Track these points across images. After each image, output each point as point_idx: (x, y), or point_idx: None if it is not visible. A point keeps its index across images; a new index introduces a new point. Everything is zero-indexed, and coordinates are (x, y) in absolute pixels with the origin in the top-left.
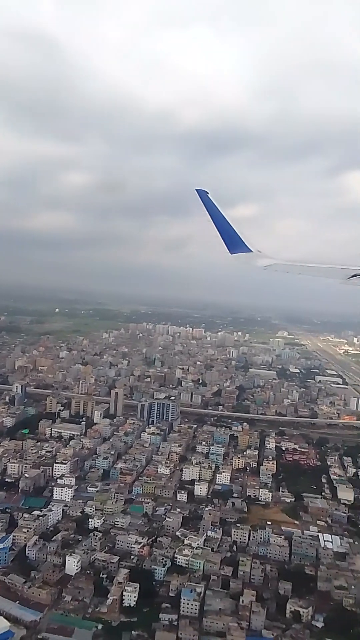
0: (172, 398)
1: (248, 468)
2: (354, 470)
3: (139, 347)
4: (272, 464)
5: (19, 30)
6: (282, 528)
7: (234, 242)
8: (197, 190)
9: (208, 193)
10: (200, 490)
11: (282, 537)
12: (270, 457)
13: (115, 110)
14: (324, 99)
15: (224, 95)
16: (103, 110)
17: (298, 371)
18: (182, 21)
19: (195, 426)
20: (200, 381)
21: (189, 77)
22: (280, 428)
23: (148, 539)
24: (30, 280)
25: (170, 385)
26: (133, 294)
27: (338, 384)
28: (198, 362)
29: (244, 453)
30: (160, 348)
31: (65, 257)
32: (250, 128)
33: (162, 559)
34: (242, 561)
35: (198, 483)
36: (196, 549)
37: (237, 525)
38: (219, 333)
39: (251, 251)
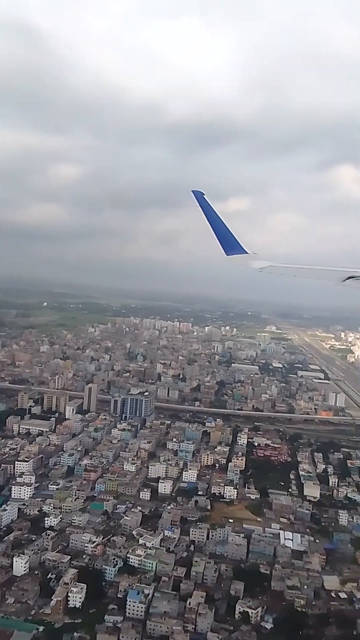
0: (147, 393)
1: (217, 465)
2: (324, 466)
3: (124, 341)
4: (242, 460)
5: (2, 20)
6: (244, 526)
7: (229, 243)
8: (193, 191)
9: (204, 194)
10: (165, 487)
11: (241, 535)
12: (241, 453)
13: (103, 102)
14: (314, 92)
15: (214, 88)
16: (90, 102)
17: (281, 366)
18: (171, 12)
19: (168, 422)
20: (181, 376)
21: (178, 69)
22: (256, 423)
23: (103, 538)
24: (21, 273)
25: (150, 380)
26: (125, 288)
27: (320, 379)
28: (180, 357)
29: (215, 449)
30: (145, 342)
31: (57, 250)
32: (240, 121)
33: (114, 559)
34: (196, 561)
35: (162, 481)
36: (150, 548)
37: (197, 524)
38: (207, 327)
39: (247, 253)
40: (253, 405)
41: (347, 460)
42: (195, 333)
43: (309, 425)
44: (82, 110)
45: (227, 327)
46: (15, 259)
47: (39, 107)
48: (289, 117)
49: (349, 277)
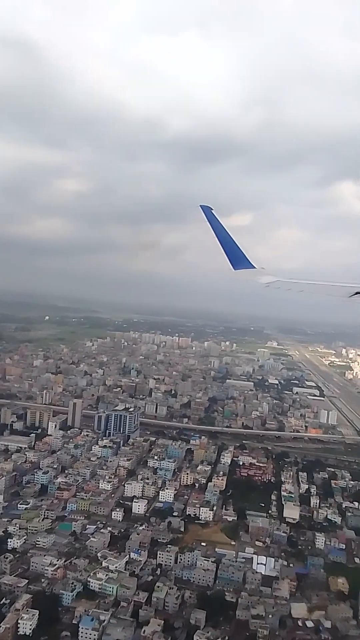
0: (132, 409)
1: (197, 484)
2: (307, 486)
3: (120, 356)
4: (222, 480)
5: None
6: (216, 549)
7: (237, 258)
8: (201, 206)
9: (212, 209)
10: (139, 507)
11: (211, 559)
12: (222, 472)
13: (102, 117)
14: (313, 107)
15: (213, 103)
16: (89, 117)
17: (277, 382)
18: (171, 28)
19: (152, 439)
20: (173, 392)
21: (177, 85)
22: (244, 441)
23: (65, 561)
24: (26, 287)
25: (140, 396)
26: (129, 302)
27: (315, 395)
28: (175, 373)
29: (196, 468)
30: (141, 357)
31: (62, 264)
32: (239, 136)
33: (73, 583)
34: (159, 587)
35: (137, 500)
36: (113, 572)
37: (167, 546)
38: (206, 343)
39: (254, 267)
40: (242, 423)
41: (332, 481)
42: (193, 348)
43: (297, 443)
44: (81, 124)
45: (227, 343)
46: (20, 273)
47: (38, 121)
48: (288, 132)
49: (357, 293)
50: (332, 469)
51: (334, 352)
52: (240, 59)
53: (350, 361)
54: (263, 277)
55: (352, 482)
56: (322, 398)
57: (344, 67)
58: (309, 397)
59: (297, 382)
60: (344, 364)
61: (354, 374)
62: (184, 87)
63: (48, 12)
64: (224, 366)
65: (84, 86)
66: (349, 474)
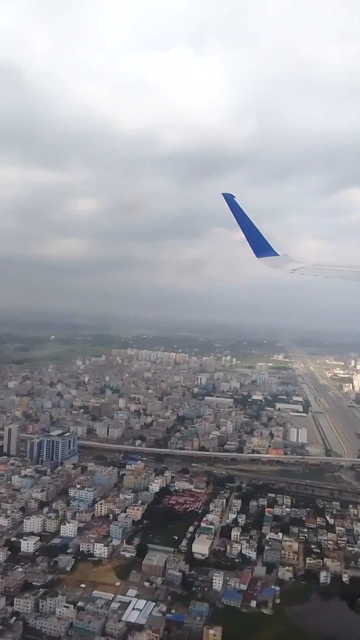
0: (66, 434)
1: (111, 515)
2: (234, 515)
3: (108, 374)
4: (138, 510)
5: None
6: (94, 592)
7: (260, 245)
8: (223, 194)
9: (234, 197)
10: (27, 545)
11: (73, 606)
12: (143, 501)
13: (95, 136)
14: (310, 115)
15: (208, 116)
16: (83, 136)
17: (261, 398)
18: (162, 44)
19: (84, 465)
20: (141, 411)
21: (170, 99)
22: (193, 464)
23: None
24: (46, 307)
25: (101, 417)
26: (146, 318)
27: (297, 411)
28: (150, 391)
29: (118, 497)
30: (127, 375)
31: (81, 283)
32: (237, 148)
33: None
34: None
35: (26, 538)
36: None
37: (38, 590)
38: (205, 358)
39: (278, 255)
40: (199, 444)
41: (267, 509)
42: (189, 364)
43: (252, 465)
44: (76, 144)
45: (228, 357)
46: (39, 294)
47: (31, 142)
48: (288, 142)
49: None
50: (275, 495)
51: (343, 364)
52: (234, 71)
53: (354, 373)
54: (287, 263)
55: (289, 509)
56: (305, 414)
57: (339, 72)
58: (290, 413)
59: (284, 397)
60: (348, 376)
61: (352, 387)
62: (178, 101)
63: (38, 32)
64: (212, 382)
65: (75, 105)
66: (290, 500)
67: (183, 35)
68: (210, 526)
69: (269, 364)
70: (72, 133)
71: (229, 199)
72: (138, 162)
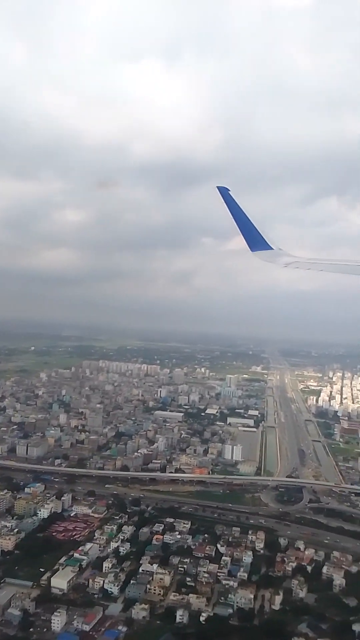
0: None
1: None
2: (117, 544)
3: (64, 387)
4: (10, 540)
5: None
6: None
7: (254, 239)
8: (218, 187)
9: (229, 190)
10: None
11: None
12: (20, 529)
13: (65, 146)
14: (284, 126)
15: (182, 127)
16: (52, 147)
17: (215, 412)
18: (133, 55)
19: None
20: (79, 427)
21: (142, 111)
22: (107, 486)
23: None
24: (39, 318)
25: (32, 434)
26: (138, 329)
27: (248, 426)
28: (98, 405)
29: None
30: (86, 388)
31: (73, 293)
32: (214, 159)
33: None
34: None
35: None
36: None
37: None
38: (177, 370)
39: (272, 249)
40: (121, 463)
41: (157, 536)
42: (158, 376)
43: (169, 486)
44: (44, 155)
45: (203, 369)
46: (28, 304)
47: (5, 154)
48: (265, 152)
49: None
50: (174, 520)
51: (321, 375)
52: (206, 81)
53: (327, 385)
54: (281, 257)
55: (181, 536)
56: (254, 429)
57: (310, 83)
58: (239, 428)
59: (241, 411)
60: (319, 388)
61: (315, 400)
62: (150, 112)
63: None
64: (172, 395)
65: (44, 116)
66: (188, 526)
67: (154, 46)
68: (83, 557)
69: (244, 375)
70: (43, 145)
71: (224, 192)
72: (111, 172)
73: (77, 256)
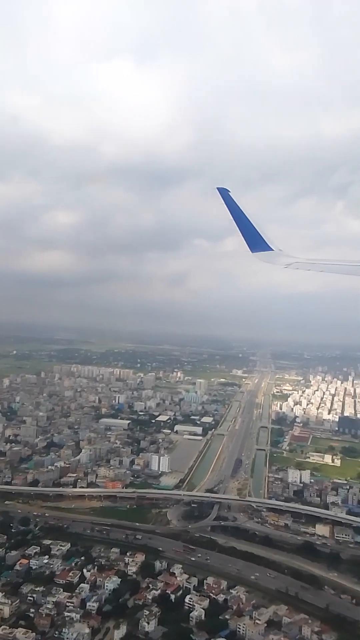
0: None
1: None
2: None
3: (20, 394)
4: None
5: None
6: None
7: (255, 240)
8: (218, 188)
9: (229, 191)
10: None
11: None
12: None
13: (33, 147)
14: (261, 125)
15: (154, 127)
16: (22, 148)
17: (166, 419)
18: (103, 56)
19: None
20: (11, 438)
21: (113, 110)
22: (7, 502)
23: None
24: (33, 322)
25: None
26: (132, 332)
27: (196, 434)
28: (41, 414)
29: None
30: (44, 395)
31: (68, 296)
32: (190, 159)
33: None
34: None
35: None
36: None
37: None
38: (150, 374)
39: (272, 250)
40: (33, 476)
41: (22, 560)
42: (127, 381)
43: (74, 502)
44: (13, 156)
45: (178, 373)
46: (22, 306)
47: None
48: (242, 151)
49: None
50: (52, 542)
51: (301, 378)
52: (179, 81)
53: (303, 388)
54: (281, 258)
55: (50, 560)
56: (199, 437)
57: (284, 83)
58: (184, 436)
59: (196, 417)
60: (289, 393)
61: (279, 406)
62: (121, 112)
63: None
64: (128, 401)
65: (8, 117)
66: (65, 548)
67: (127, 45)
68: None
69: (220, 379)
70: (7, 146)
71: (224, 193)
72: (85, 173)
73: (69, 259)
